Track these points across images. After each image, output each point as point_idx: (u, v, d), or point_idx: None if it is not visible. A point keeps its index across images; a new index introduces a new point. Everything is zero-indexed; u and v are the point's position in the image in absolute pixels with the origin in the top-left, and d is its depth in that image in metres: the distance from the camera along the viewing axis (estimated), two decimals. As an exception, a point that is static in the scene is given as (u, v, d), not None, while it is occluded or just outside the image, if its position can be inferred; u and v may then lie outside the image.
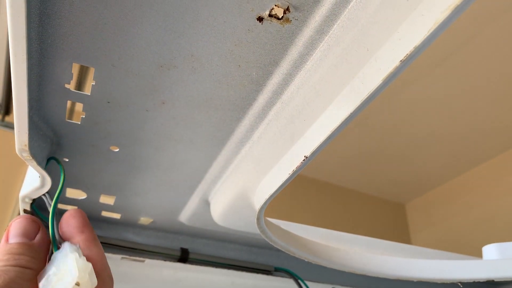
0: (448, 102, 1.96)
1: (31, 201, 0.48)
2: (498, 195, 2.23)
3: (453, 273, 0.60)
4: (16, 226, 0.29)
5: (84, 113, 0.39)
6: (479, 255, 0.73)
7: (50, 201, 0.40)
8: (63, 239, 0.31)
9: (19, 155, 0.37)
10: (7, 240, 0.28)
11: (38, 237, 0.29)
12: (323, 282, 0.75)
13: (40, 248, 0.29)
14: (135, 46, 0.32)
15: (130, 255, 0.61)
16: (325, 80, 0.33)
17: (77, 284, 0.26)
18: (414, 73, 1.78)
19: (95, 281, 0.28)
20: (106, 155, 0.46)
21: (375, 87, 0.28)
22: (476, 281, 0.60)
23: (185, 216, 0.59)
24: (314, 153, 0.35)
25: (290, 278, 0.66)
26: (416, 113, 2.03)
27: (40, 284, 0.27)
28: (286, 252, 0.51)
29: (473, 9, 1.45)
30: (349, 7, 0.29)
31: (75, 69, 0.34)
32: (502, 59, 1.73)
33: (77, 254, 0.28)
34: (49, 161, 0.42)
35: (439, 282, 0.60)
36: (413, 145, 2.24)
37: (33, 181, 0.44)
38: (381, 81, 0.28)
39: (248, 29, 0.31)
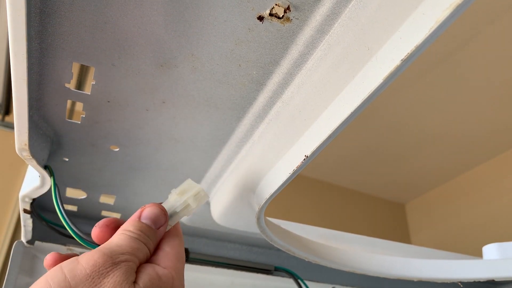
0: (448, 102, 1.96)
1: (31, 201, 0.48)
2: (498, 195, 2.23)
3: (454, 272, 0.59)
4: (151, 211, 0.35)
5: (84, 112, 0.39)
6: (479, 255, 0.73)
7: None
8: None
9: (19, 154, 0.37)
10: (139, 217, 0.34)
11: (161, 228, 0.34)
12: (323, 282, 0.75)
13: (159, 237, 0.34)
14: (136, 45, 0.32)
15: (130, 255, 0.60)
16: (326, 79, 0.33)
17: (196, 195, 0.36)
18: (414, 72, 1.78)
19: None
20: (106, 154, 0.46)
21: (376, 86, 0.28)
22: (476, 280, 0.60)
23: (185, 215, 0.59)
24: (314, 153, 0.35)
25: (290, 277, 0.66)
26: (416, 113, 2.03)
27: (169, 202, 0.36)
28: (286, 251, 0.51)
29: (473, 9, 1.45)
30: (349, 6, 0.29)
31: (75, 68, 0.34)
32: (502, 59, 1.73)
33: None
34: (45, 168, 0.42)
35: (439, 281, 0.60)
36: (413, 145, 2.24)
37: (33, 180, 0.44)
38: (382, 80, 0.27)
39: (249, 28, 0.31)
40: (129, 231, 0.32)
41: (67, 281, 0.27)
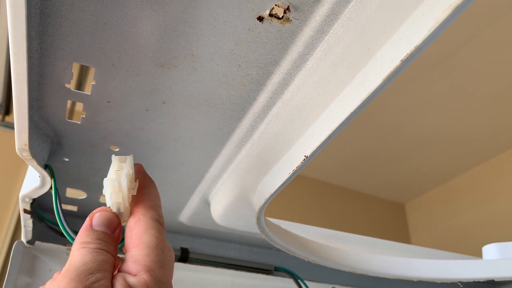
0: (448, 102, 1.96)
1: (31, 201, 0.48)
2: (498, 195, 2.23)
3: (453, 272, 0.60)
4: (101, 216, 0.32)
5: (84, 112, 0.39)
6: (479, 255, 0.73)
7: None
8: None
9: (19, 155, 0.37)
10: (91, 225, 0.32)
11: (117, 231, 0.33)
12: (323, 282, 0.75)
13: (117, 241, 0.33)
14: (136, 45, 0.32)
15: (130, 255, 0.61)
16: (326, 79, 0.33)
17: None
18: (414, 73, 1.78)
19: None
20: (106, 154, 0.46)
21: (376, 87, 0.28)
22: (476, 280, 0.60)
23: (185, 216, 0.59)
24: (314, 153, 0.35)
25: (290, 277, 0.66)
26: (416, 113, 2.03)
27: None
28: (286, 251, 0.51)
29: (473, 9, 1.45)
30: (349, 6, 0.29)
31: (75, 68, 0.34)
32: (502, 59, 1.73)
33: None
34: (46, 168, 0.42)
35: (439, 281, 0.60)
36: (413, 145, 2.24)
37: (33, 180, 0.44)
38: (381, 81, 0.28)
39: (249, 28, 0.31)
40: (87, 242, 0.30)
41: None
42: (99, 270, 0.28)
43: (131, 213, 0.34)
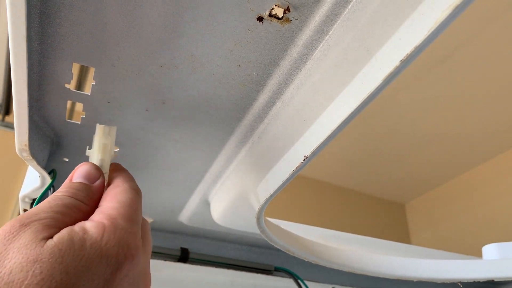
0: (448, 102, 1.96)
1: (31, 201, 0.48)
2: (498, 195, 2.23)
3: (453, 272, 0.60)
4: (81, 169, 0.32)
5: (84, 113, 0.39)
6: (479, 255, 0.73)
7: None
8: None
9: (19, 155, 0.37)
10: (71, 179, 0.32)
11: (97, 182, 0.32)
12: (323, 282, 0.75)
13: (97, 191, 0.32)
14: (136, 45, 0.32)
15: (130, 255, 0.61)
16: (325, 80, 0.33)
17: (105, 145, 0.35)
18: (414, 73, 1.78)
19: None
20: (106, 155, 0.46)
21: (376, 87, 0.28)
22: (476, 280, 0.60)
23: (185, 216, 0.59)
24: (314, 153, 0.35)
25: (290, 277, 0.66)
26: (416, 113, 2.04)
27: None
28: (286, 252, 0.51)
29: (473, 9, 1.45)
30: (349, 7, 0.29)
31: (75, 69, 0.34)
32: (502, 59, 1.73)
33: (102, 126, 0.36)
34: (50, 173, 0.42)
35: (439, 281, 0.60)
36: (413, 145, 2.24)
37: (33, 181, 0.44)
38: (381, 81, 0.28)
39: (248, 29, 0.31)
40: (56, 194, 0.29)
41: None
42: (46, 211, 0.27)
43: (108, 183, 0.33)
